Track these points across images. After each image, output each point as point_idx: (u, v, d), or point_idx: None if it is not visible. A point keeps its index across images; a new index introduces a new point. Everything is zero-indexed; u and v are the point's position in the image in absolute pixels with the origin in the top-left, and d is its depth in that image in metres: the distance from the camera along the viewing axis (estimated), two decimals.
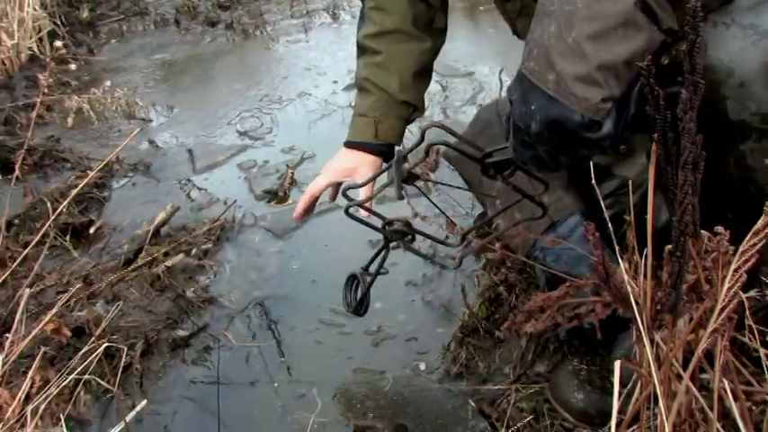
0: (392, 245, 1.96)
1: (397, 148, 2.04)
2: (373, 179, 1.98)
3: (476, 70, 4.00)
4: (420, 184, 1.99)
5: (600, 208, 1.85)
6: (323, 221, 2.83)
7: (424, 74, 2.07)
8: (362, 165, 2.04)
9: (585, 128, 1.28)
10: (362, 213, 1.88)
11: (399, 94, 2.00)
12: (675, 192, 1.02)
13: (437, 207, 2.12)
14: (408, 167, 1.88)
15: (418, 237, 1.93)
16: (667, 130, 1.03)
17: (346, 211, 1.86)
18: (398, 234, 1.91)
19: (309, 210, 2.15)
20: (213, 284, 2.52)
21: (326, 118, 3.69)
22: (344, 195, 1.91)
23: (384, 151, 2.04)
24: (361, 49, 2.08)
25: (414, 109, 2.05)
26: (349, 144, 2.08)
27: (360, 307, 2.10)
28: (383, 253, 2.00)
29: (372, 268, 2.04)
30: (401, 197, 1.81)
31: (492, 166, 1.74)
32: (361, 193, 1.97)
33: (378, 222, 1.91)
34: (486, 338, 2.12)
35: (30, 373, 1.73)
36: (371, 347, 2.22)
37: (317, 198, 2.11)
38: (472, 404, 1.92)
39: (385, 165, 2.03)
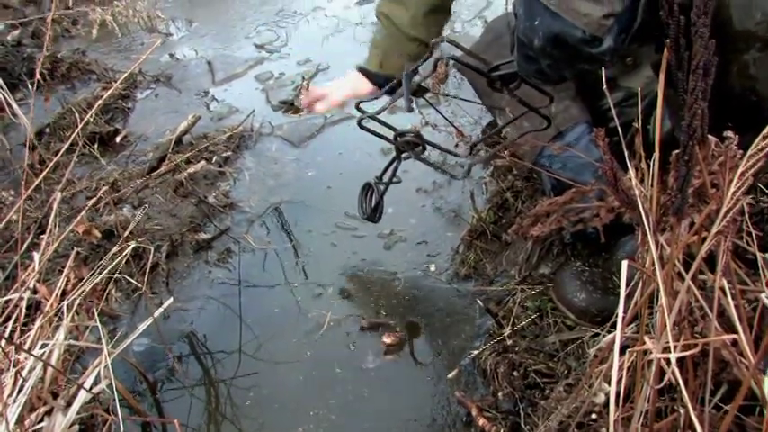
0: (404, 155, 1.94)
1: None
2: (383, 93, 1.94)
3: None
4: (429, 96, 1.95)
5: (605, 118, 1.82)
6: (337, 130, 2.80)
7: (439, 11, 1.98)
8: (364, 90, 2.04)
9: (587, 43, 1.25)
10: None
11: (409, 29, 1.93)
12: (685, 97, 0.99)
13: (445, 118, 2.09)
14: (418, 80, 1.84)
15: (429, 147, 1.91)
16: (679, 35, 0.99)
17: (359, 123, 1.83)
18: (409, 145, 1.89)
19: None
20: (233, 190, 2.51)
21: (340, 32, 3.62)
22: (357, 108, 1.88)
23: (387, 82, 1.97)
24: None
25: (425, 46, 1.97)
26: (359, 69, 2.06)
27: (374, 214, 2.09)
28: (395, 163, 1.98)
29: (386, 178, 2.03)
30: (410, 110, 1.78)
31: (498, 80, 1.70)
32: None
33: (390, 134, 1.88)
34: (493, 242, 2.12)
35: (65, 272, 1.74)
36: (384, 250, 2.21)
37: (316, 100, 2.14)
38: (479, 303, 1.93)
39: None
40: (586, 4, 1.21)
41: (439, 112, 2.08)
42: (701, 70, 0.95)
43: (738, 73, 1.26)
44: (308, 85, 3.05)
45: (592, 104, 1.89)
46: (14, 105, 2.73)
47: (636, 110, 1.54)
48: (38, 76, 2.84)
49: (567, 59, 1.30)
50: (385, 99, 1.87)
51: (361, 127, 1.84)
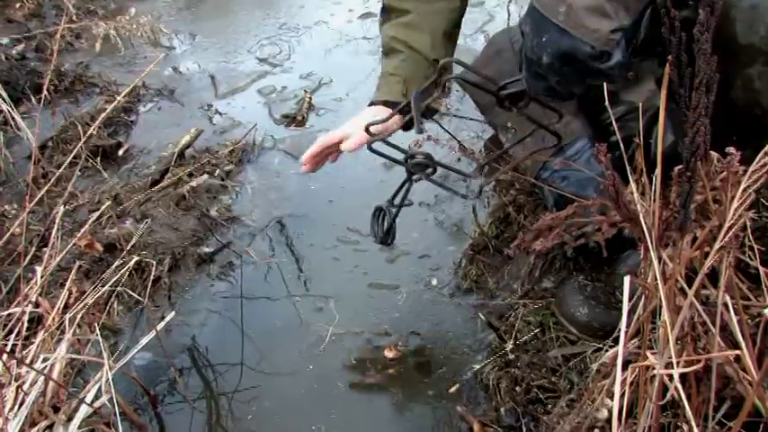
0: (414, 177, 1.93)
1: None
2: (393, 115, 1.93)
3: (486, 0, 3.91)
4: (437, 116, 1.94)
5: (606, 133, 1.82)
6: None
7: (454, 30, 1.94)
8: (390, 122, 1.84)
9: (595, 59, 1.24)
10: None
11: (430, 53, 1.88)
12: (687, 113, 0.99)
13: (450, 134, 2.09)
14: (427, 101, 1.84)
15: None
16: (681, 51, 0.99)
17: (369, 146, 1.83)
18: (420, 167, 1.89)
19: (318, 159, 1.91)
20: (235, 204, 2.51)
21: (342, 46, 3.63)
22: (367, 131, 1.87)
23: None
24: (387, 11, 1.95)
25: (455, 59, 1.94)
26: (377, 102, 1.91)
27: (387, 237, 2.09)
28: (406, 185, 1.98)
29: (397, 200, 2.03)
30: (421, 131, 1.78)
31: (507, 98, 1.70)
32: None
33: (399, 155, 1.88)
34: (495, 256, 2.12)
35: (67, 285, 1.74)
36: (386, 264, 2.21)
37: (326, 150, 1.89)
38: (482, 317, 1.92)
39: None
40: (595, 20, 1.21)
41: (445, 129, 2.08)
42: (704, 86, 0.95)
43: (742, 87, 1.26)
44: (310, 98, 3.07)
45: (593, 118, 1.89)
46: (18, 119, 2.75)
47: (638, 124, 1.54)
48: (45, 92, 2.86)
49: (576, 75, 1.30)
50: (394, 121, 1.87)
51: (371, 150, 1.84)
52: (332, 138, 1.86)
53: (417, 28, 1.88)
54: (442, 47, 1.90)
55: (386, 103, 1.89)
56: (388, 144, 1.83)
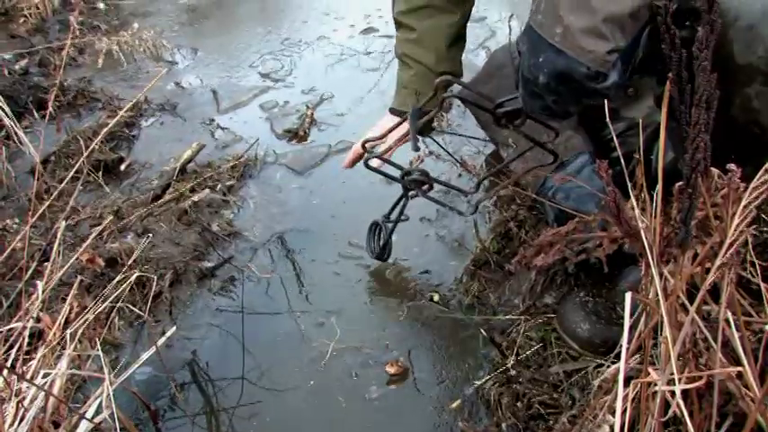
0: (411, 193, 1.94)
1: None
2: (389, 132, 1.95)
3: (487, 16, 3.93)
4: (434, 132, 1.96)
5: (607, 149, 1.82)
6: (341, 159, 2.80)
7: (458, 43, 2.00)
8: (392, 140, 2.00)
9: (592, 79, 1.26)
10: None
11: (436, 66, 1.95)
12: (687, 130, 0.99)
13: (449, 154, 2.10)
14: (424, 119, 1.86)
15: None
16: (681, 69, 1.00)
17: (366, 164, 1.84)
18: (416, 183, 1.90)
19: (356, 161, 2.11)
20: (237, 218, 2.52)
21: (344, 61, 3.64)
22: (363, 148, 1.89)
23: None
24: (398, 25, 2.02)
25: (452, 75, 1.98)
26: (393, 111, 2.04)
27: (383, 252, 2.09)
28: (403, 201, 1.99)
29: (393, 216, 2.03)
30: (417, 148, 1.79)
31: (504, 116, 1.71)
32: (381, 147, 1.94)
33: (396, 172, 1.89)
34: (496, 271, 2.11)
35: (68, 300, 1.74)
36: (387, 279, 2.21)
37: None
38: (483, 333, 1.92)
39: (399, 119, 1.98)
40: (591, 41, 1.22)
41: (443, 148, 2.08)
42: (704, 104, 0.96)
43: (741, 106, 1.26)
44: (312, 113, 3.08)
45: (594, 134, 1.90)
46: (20, 134, 2.76)
47: (638, 140, 1.55)
48: (50, 108, 2.87)
49: (573, 95, 1.31)
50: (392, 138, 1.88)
51: (368, 167, 1.86)
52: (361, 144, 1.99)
53: (422, 45, 1.95)
54: (448, 59, 1.96)
55: (398, 113, 2.01)
56: (385, 161, 1.85)
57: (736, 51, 1.22)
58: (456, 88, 1.86)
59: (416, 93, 1.96)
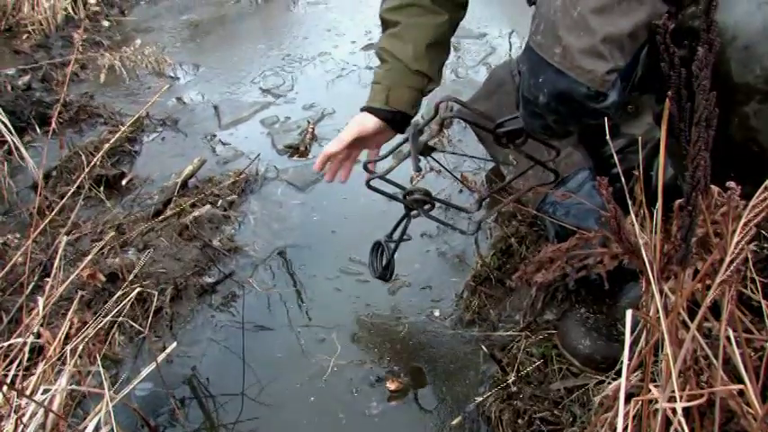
0: (413, 213, 1.95)
1: (413, 120, 1.98)
2: (391, 153, 1.95)
3: (488, 32, 3.94)
4: (435, 152, 1.96)
5: (607, 165, 1.83)
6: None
7: (439, 46, 1.95)
8: (371, 126, 1.95)
9: (591, 99, 1.27)
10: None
11: (412, 63, 1.90)
12: (687, 148, 1.00)
13: (451, 173, 2.10)
14: (425, 139, 1.86)
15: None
16: (681, 87, 1.00)
17: (367, 184, 1.85)
18: (419, 203, 1.90)
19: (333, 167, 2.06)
20: (238, 234, 2.52)
21: (345, 77, 3.65)
22: (365, 168, 1.89)
23: (395, 119, 1.93)
24: (384, 23, 1.99)
25: (428, 80, 1.94)
26: (364, 108, 2.00)
27: (385, 272, 2.09)
28: (405, 221, 1.99)
29: (396, 235, 2.04)
30: (418, 169, 1.80)
31: (504, 136, 1.72)
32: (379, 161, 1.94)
33: (398, 192, 1.89)
34: (497, 287, 2.11)
35: (68, 316, 1.74)
36: (388, 295, 2.21)
37: (331, 155, 2.01)
38: (484, 349, 1.91)
39: (399, 135, 1.98)
40: (590, 61, 1.23)
41: (443, 166, 2.09)
42: (704, 122, 0.96)
43: (739, 124, 1.26)
44: (313, 129, 3.09)
45: (594, 151, 1.91)
46: (22, 149, 2.76)
47: (638, 156, 1.55)
48: (54, 124, 2.88)
49: (573, 114, 1.32)
50: (392, 159, 1.89)
51: (370, 187, 1.86)
52: (330, 149, 1.98)
53: (401, 38, 1.91)
54: (425, 58, 1.91)
55: (370, 110, 1.95)
56: (387, 181, 1.85)
57: (734, 70, 1.23)
58: (456, 106, 1.86)
59: (388, 88, 1.93)
